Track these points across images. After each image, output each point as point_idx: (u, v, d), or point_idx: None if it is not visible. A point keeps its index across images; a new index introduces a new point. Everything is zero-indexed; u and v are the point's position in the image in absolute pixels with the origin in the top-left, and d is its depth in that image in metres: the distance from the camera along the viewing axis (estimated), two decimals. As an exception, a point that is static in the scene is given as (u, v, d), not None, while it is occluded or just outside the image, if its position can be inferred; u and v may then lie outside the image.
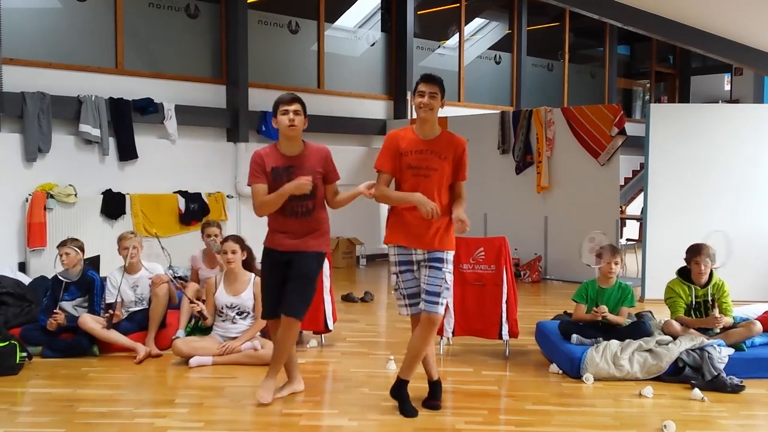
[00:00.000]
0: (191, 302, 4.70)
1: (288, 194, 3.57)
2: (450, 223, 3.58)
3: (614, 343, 4.31)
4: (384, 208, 9.69)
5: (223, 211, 7.96)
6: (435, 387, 3.79)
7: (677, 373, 4.18)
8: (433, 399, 3.75)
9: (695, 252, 4.57)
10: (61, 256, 4.79)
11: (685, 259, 4.63)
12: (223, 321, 4.66)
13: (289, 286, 3.67)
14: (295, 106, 3.69)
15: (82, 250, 4.89)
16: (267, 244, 3.78)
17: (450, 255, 3.59)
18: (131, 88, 7.44)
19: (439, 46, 11.06)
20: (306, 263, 3.67)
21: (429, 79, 3.57)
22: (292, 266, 3.68)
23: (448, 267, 3.56)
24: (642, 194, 7.80)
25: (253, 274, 4.72)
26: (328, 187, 3.75)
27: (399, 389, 3.67)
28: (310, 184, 3.55)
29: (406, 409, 3.62)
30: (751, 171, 6.79)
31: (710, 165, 6.77)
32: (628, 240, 9.78)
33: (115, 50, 7.51)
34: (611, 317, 4.47)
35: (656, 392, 3.97)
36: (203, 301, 4.92)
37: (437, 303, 3.51)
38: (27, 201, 6.61)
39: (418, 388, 3.92)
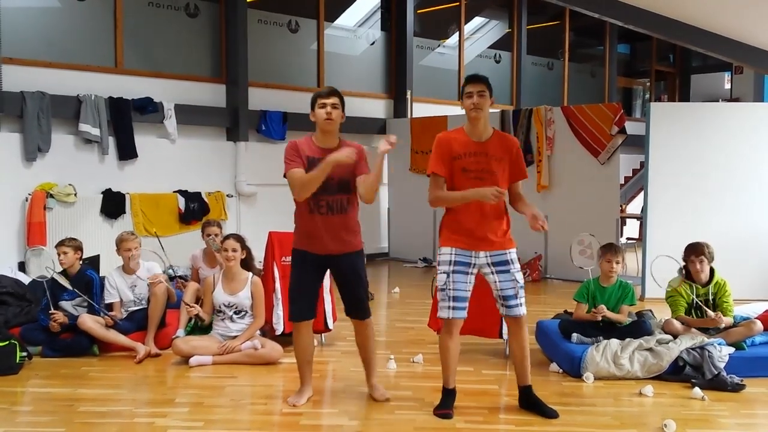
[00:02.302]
0: (187, 306, 4.70)
1: (333, 164, 3.41)
2: (508, 221, 3.57)
3: (614, 342, 4.31)
4: (384, 209, 9.71)
5: (223, 211, 7.95)
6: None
7: (678, 372, 4.17)
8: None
9: (691, 251, 4.57)
10: (59, 255, 4.79)
11: (683, 258, 4.63)
12: (222, 320, 4.66)
13: (351, 290, 3.68)
14: (333, 100, 3.62)
15: (81, 249, 4.89)
16: (302, 247, 3.66)
17: (514, 254, 3.56)
18: (131, 87, 7.43)
19: (438, 45, 11.05)
20: (357, 263, 3.69)
21: (475, 79, 3.52)
22: (340, 270, 3.67)
23: (516, 266, 3.53)
24: (642, 193, 7.79)
25: (250, 274, 4.72)
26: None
27: (528, 396, 3.63)
28: (354, 154, 3.44)
29: (546, 411, 3.56)
30: (752, 169, 6.78)
31: (710, 164, 6.76)
32: (628, 239, 9.78)
33: (115, 49, 7.50)
34: (611, 315, 4.47)
35: (656, 391, 3.96)
36: (202, 300, 4.93)
37: (518, 305, 3.50)
38: (27, 200, 6.61)
39: (420, 388, 3.93)
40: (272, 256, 4.87)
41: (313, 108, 3.67)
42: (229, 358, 4.50)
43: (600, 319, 4.45)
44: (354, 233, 3.70)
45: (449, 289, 3.47)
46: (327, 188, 3.53)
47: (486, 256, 3.52)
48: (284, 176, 3.60)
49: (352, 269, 3.68)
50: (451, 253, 3.50)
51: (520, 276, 3.56)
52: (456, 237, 3.52)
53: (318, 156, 3.56)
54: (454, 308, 3.49)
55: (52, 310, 4.64)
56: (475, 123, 3.54)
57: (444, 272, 3.50)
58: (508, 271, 3.50)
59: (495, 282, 3.52)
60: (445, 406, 3.63)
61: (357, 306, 3.73)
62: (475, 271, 3.53)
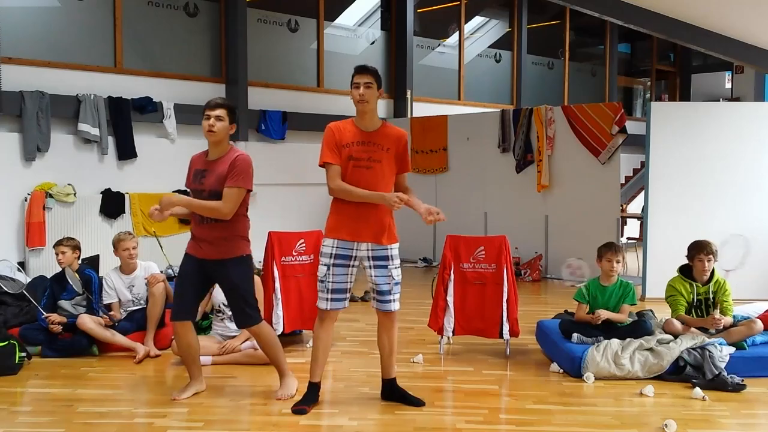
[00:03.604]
0: None
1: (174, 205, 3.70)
2: (392, 218, 3.59)
3: (615, 342, 4.30)
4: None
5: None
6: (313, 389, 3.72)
7: (678, 372, 4.17)
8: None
9: (699, 249, 4.55)
10: (57, 255, 4.78)
11: (687, 256, 4.61)
12: (222, 320, 4.65)
13: (229, 302, 3.80)
14: (218, 112, 3.64)
15: (79, 249, 4.88)
16: (187, 250, 3.76)
17: (396, 250, 3.61)
18: (130, 87, 7.42)
19: (439, 45, 11.05)
20: (229, 274, 3.73)
21: (363, 70, 3.53)
22: (218, 278, 3.77)
23: (395, 262, 3.59)
24: (643, 193, 7.78)
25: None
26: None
27: (392, 388, 3.71)
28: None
29: (412, 400, 3.66)
30: (752, 169, 6.77)
31: (711, 163, 6.75)
32: (628, 239, 9.77)
33: (114, 49, 7.50)
34: (611, 316, 4.46)
35: (657, 391, 3.95)
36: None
37: (390, 301, 3.57)
38: (26, 200, 6.61)
39: (420, 388, 3.92)
40: (272, 256, 4.86)
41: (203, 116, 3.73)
42: (229, 358, 4.49)
43: (600, 321, 4.43)
44: (228, 241, 3.68)
45: (328, 282, 3.54)
46: (199, 198, 3.64)
47: (367, 249, 3.55)
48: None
49: (226, 276, 3.69)
50: (332, 246, 3.54)
51: (397, 272, 3.60)
52: (339, 228, 3.55)
53: (204, 168, 3.70)
54: (332, 300, 3.55)
55: (45, 314, 4.63)
56: (362, 114, 3.57)
57: (324, 264, 3.55)
58: (385, 267, 3.55)
59: (371, 276, 3.57)
60: (304, 402, 3.64)
61: (235, 317, 3.79)
62: (356, 263, 3.57)
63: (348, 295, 3.62)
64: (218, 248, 3.65)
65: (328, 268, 3.53)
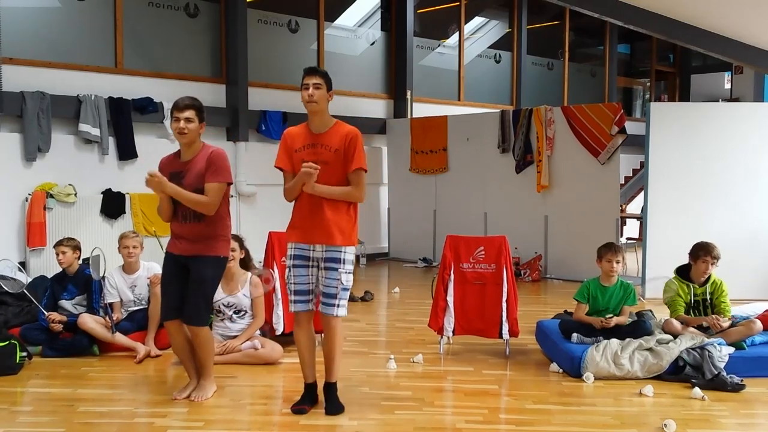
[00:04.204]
0: None
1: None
2: (351, 220, 3.54)
3: (614, 342, 4.31)
4: (384, 209, 9.71)
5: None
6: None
7: (678, 372, 4.17)
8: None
9: (706, 251, 4.55)
10: (57, 255, 4.79)
11: (691, 255, 4.61)
12: (222, 320, 4.65)
13: (186, 294, 3.75)
14: (188, 114, 3.66)
15: (79, 249, 4.89)
16: (167, 248, 3.81)
17: (349, 254, 3.52)
18: (131, 87, 7.43)
19: (439, 45, 11.05)
20: (198, 269, 3.73)
21: (312, 71, 3.53)
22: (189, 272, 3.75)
23: (346, 267, 3.50)
24: (642, 193, 7.79)
25: (249, 273, 4.72)
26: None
27: (327, 391, 3.65)
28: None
29: (329, 407, 3.60)
30: (752, 169, 6.77)
31: (711, 164, 6.76)
32: (628, 239, 9.77)
33: (115, 49, 7.50)
34: (620, 320, 4.47)
35: (656, 391, 3.96)
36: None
37: (333, 305, 3.49)
38: (27, 200, 6.61)
39: (420, 388, 3.92)
40: (272, 256, 4.86)
41: (171, 118, 3.74)
42: (229, 358, 4.49)
43: (612, 326, 4.43)
44: (208, 239, 3.69)
45: (290, 283, 3.55)
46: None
47: (322, 250, 3.52)
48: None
49: (198, 271, 3.69)
50: (291, 247, 3.56)
51: (347, 278, 3.52)
52: (293, 231, 3.57)
53: (179, 169, 3.73)
54: (295, 302, 3.56)
55: (46, 313, 4.64)
56: (312, 115, 3.58)
57: (288, 266, 3.58)
58: (335, 269, 3.49)
59: (321, 277, 3.53)
60: (301, 402, 3.65)
61: (187, 309, 3.73)
62: (315, 264, 3.55)
63: (312, 296, 3.57)
64: (197, 245, 3.68)
65: (290, 270, 3.56)
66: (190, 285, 3.71)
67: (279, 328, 4.80)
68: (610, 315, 4.47)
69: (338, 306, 3.51)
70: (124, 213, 7.16)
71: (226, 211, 3.80)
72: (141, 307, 4.93)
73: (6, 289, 4.84)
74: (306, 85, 3.51)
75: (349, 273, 3.52)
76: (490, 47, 11.79)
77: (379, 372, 4.39)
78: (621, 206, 8.97)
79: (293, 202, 3.60)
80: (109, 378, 4.26)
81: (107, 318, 4.69)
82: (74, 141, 7.02)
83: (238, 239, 4.74)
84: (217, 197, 3.66)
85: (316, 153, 3.51)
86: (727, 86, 14.82)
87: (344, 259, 3.50)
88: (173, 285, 3.76)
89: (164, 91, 7.67)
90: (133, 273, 4.95)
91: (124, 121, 7.25)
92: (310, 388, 3.70)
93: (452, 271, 4.78)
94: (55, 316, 4.64)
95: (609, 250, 4.61)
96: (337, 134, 3.55)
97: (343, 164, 3.51)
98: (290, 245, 3.57)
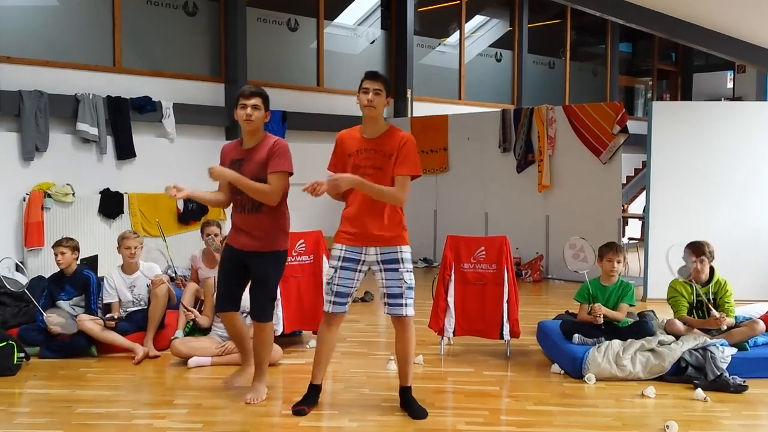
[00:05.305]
0: (186, 309, 4.68)
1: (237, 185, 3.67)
2: (401, 221, 3.53)
3: (616, 343, 4.28)
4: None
5: (222, 211, 7.92)
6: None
7: (680, 373, 4.15)
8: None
9: (694, 250, 4.54)
10: (56, 255, 4.76)
11: (684, 258, 4.60)
12: (222, 321, 4.62)
13: (251, 291, 3.80)
14: (254, 101, 3.65)
15: (78, 249, 4.86)
16: (227, 240, 3.81)
17: (406, 253, 3.52)
18: (129, 86, 7.40)
19: (439, 44, 11.02)
20: (261, 266, 3.74)
21: (374, 76, 3.52)
22: (251, 268, 3.74)
23: (406, 265, 3.50)
24: (644, 193, 7.76)
25: (251, 275, 4.68)
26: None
27: (403, 396, 3.63)
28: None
29: (413, 412, 3.57)
30: (754, 168, 6.75)
31: (713, 163, 6.73)
32: (630, 239, 9.75)
33: (113, 48, 7.48)
34: (608, 312, 4.43)
35: (659, 392, 3.94)
36: (201, 301, 4.90)
37: (401, 305, 3.48)
38: (24, 200, 6.58)
39: (420, 388, 3.89)
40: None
41: (235, 107, 3.69)
42: (229, 359, 4.47)
43: (601, 321, 4.41)
44: (269, 233, 3.67)
45: (334, 284, 3.53)
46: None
47: (376, 253, 3.50)
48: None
49: (260, 267, 3.68)
50: (341, 249, 3.54)
51: (409, 276, 3.51)
52: (345, 233, 3.55)
53: (240, 157, 3.68)
54: (335, 303, 3.54)
55: (45, 314, 4.61)
56: (368, 120, 3.56)
57: (333, 267, 3.57)
58: (396, 270, 3.48)
59: (381, 279, 3.51)
60: (304, 402, 3.63)
61: (253, 307, 3.76)
62: (364, 268, 3.55)
63: (349, 300, 3.58)
64: (258, 241, 3.65)
65: (336, 271, 3.53)
66: (252, 283, 3.72)
67: (278, 329, 4.77)
68: (597, 304, 4.41)
69: (406, 305, 3.49)
70: (122, 213, 7.13)
71: (285, 204, 3.75)
72: (140, 307, 4.90)
73: (10, 288, 4.82)
74: (366, 89, 3.49)
75: (410, 272, 3.51)
76: (490, 46, 11.77)
77: (380, 373, 4.36)
78: (623, 206, 8.94)
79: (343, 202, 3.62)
80: (107, 379, 4.24)
81: (109, 320, 4.67)
82: (72, 140, 6.99)
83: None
84: (280, 187, 3.60)
85: (370, 158, 3.50)
86: (730, 85, 14.80)
87: (403, 258, 3.50)
88: (230, 278, 3.76)
89: (163, 90, 7.65)
90: (133, 273, 4.93)
91: (122, 120, 7.23)
92: (315, 389, 3.68)
93: (453, 272, 4.76)
94: (53, 318, 4.61)
95: (610, 250, 4.59)
96: (392, 139, 3.53)
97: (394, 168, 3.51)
98: (339, 247, 3.54)
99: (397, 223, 3.52)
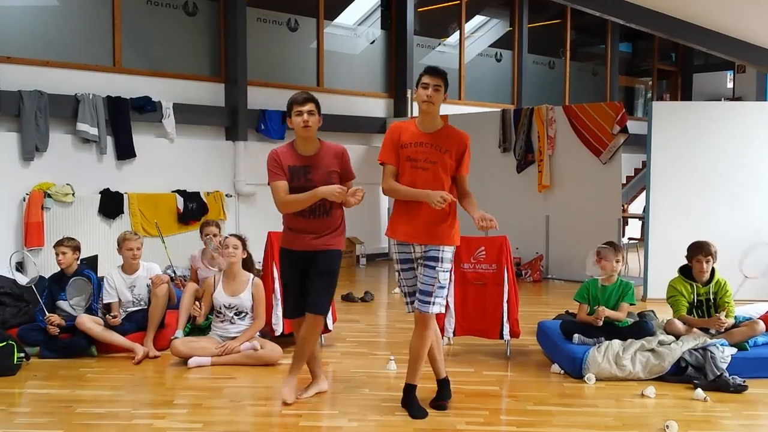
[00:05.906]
0: (195, 307, 4.70)
1: (321, 196, 3.57)
2: (451, 219, 3.54)
3: (616, 343, 4.28)
4: (384, 209, 9.67)
5: (222, 211, 7.92)
6: (441, 386, 3.77)
7: (680, 373, 4.15)
8: (440, 399, 3.73)
9: (698, 250, 4.54)
10: (57, 255, 4.76)
11: (686, 257, 4.60)
12: (222, 321, 4.63)
13: (313, 284, 3.68)
14: (309, 107, 3.65)
15: (78, 249, 4.86)
16: (284, 245, 3.79)
17: (447, 252, 3.53)
18: (129, 86, 7.40)
19: (439, 44, 11.02)
20: (329, 261, 3.70)
21: (434, 72, 3.53)
22: (314, 264, 3.68)
23: (444, 265, 3.50)
24: (644, 193, 7.76)
25: (251, 275, 4.70)
26: (345, 185, 3.68)
27: (408, 395, 3.64)
28: (343, 192, 3.53)
29: (414, 412, 3.57)
30: (754, 169, 6.74)
31: (713, 163, 6.73)
32: (630, 239, 9.74)
33: (113, 48, 7.47)
34: (610, 313, 4.43)
35: (658, 392, 3.94)
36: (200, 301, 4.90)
37: (428, 303, 3.49)
38: (24, 200, 6.58)
39: (424, 388, 3.89)
40: (272, 256, 4.84)
41: (289, 115, 3.69)
42: (228, 359, 4.47)
43: (603, 318, 4.41)
44: (338, 234, 3.74)
45: (403, 286, 3.65)
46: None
47: (421, 250, 3.54)
48: (268, 185, 3.70)
49: (325, 266, 3.69)
50: (396, 252, 3.61)
51: (444, 276, 3.51)
52: (396, 228, 3.58)
53: (299, 164, 3.67)
54: (410, 303, 3.64)
55: (47, 314, 4.61)
56: (425, 115, 3.57)
57: (396, 270, 3.66)
58: (433, 268, 3.49)
59: (420, 275, 3.54)
60: (438, 398, 3.74)
61: (312, 300, 3.71)
62: (416, 264, 3.58)
63: (413, 297, 3.60)
64: (323, 239, 3.67)
65: (399, 274, 3.63)
66: (317, 277, 3.67)
67: (278, 329, 4.78)
68: (601, 307, 4.42)
69: (434, 303, 3.50)
70: (122, 213, 7.13)
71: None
72: (140, 307, 4.90)
73: (21, 283, 4.83)
74: (426, 84, 3.51)
75: (446, 272, 3.52)
76: (490, 46, 11.76)
77: (380, 373, 4.37)
78: (623, 206, 8.94)
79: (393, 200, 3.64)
80: (107, 379, 4.24)
81: (110, 318, 4.68)
82: (72, 140, 6.99)
83: (241, 240, 4.72)
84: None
85: (427, 152, 3.51)
86: (730, 85, 14.78)
87: (442, 258, 3.51)
88: (298, 283, 3.74)
89: (163, 91, 7.65)
90: (133, 273, 4.92)
91: (122, 120, 7.22)
92: (442, 383, 3.77)
93: (453, 272, 4.75)
94: (54, 318, 4.61)
95: (609, 250, 4.58)
96: (450, 136, 3.57)
97: (452, 166, 3.53)
98: (395, 249, 3.61)
99: (449, 224, 3.53)
